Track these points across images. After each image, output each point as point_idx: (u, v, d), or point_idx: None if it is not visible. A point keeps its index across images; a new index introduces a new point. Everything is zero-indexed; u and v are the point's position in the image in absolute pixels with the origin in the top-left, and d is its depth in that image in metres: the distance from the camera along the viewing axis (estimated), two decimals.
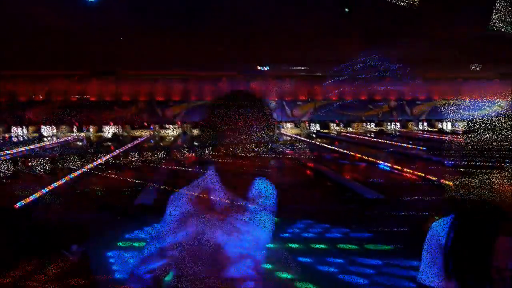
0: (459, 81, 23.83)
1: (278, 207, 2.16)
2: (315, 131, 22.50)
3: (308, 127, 22.98)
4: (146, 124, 22.29)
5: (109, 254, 5.43)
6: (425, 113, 24.18)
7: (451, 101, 24.38)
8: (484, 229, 1.46)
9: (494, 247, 1.41)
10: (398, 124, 23.63)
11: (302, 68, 19.34)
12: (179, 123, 22.67)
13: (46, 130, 21.37)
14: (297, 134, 20.79)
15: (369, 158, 11.11)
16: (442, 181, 7.96)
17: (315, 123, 23.05)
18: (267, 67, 16.44)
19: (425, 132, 22.27)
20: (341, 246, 4.33)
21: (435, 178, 8.34)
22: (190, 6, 7.95)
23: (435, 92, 24.05)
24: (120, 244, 5.80)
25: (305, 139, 18.08)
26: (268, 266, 1.56)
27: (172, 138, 21.25)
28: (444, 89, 23.97)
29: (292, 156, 12.53)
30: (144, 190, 8.35)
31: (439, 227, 1.56)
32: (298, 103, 23.11)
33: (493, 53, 14.65)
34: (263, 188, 1.86)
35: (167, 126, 22.67)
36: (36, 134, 20.99)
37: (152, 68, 19.12)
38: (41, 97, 20.98)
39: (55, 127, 21.31)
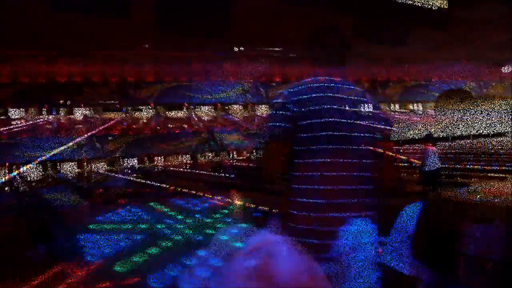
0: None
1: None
2: None
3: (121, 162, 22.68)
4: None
5: (82, 237, 5.35)
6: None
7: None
8: (448, 215, 1.47)
9: (458, 232, 1.38)
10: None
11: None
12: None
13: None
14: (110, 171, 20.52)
15: None
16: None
17: None
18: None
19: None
20: None
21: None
22: None
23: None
24: (91, 226, 5.69)
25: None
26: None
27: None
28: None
29: None
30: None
31: (408, 213, 1.53)
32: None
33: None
34: (358, 236, 1.40)
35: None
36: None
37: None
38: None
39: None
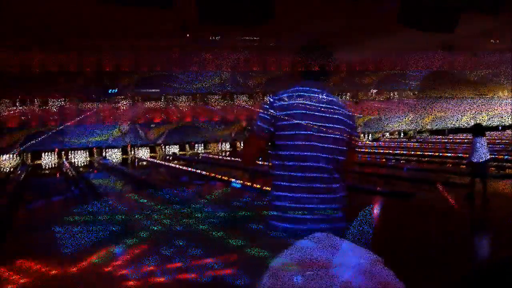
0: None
1: None
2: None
3: (163, 149, 22.17)
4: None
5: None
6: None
7: None
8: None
9: None
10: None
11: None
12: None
13: None
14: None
15: None
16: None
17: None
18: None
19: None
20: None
21: None
22: None
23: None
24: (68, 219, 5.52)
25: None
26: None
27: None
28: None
29: None
30: None
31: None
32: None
33: None
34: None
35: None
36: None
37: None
38: None
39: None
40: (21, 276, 4.16)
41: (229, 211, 6.64)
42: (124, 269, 4.28)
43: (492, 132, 26.46)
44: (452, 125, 28.98)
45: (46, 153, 19.97)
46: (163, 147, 22.05)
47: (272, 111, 1.96)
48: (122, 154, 21.21)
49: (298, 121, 1.92)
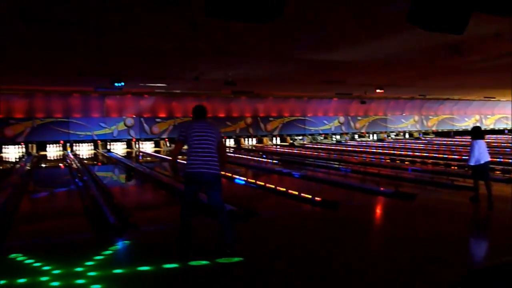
0: (305, 99, 24.85)
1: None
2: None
3: (168, 144, 21.99)
4: None
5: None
6: (277, 129, 24.81)
7: (299, 117, 25.35)
8: None
9: None
10: (254, 139, 24.66)
11: (161, 85, 17.08)
12: (23, 143, 19.60)
13: None
14: (157, 152, 19.92)
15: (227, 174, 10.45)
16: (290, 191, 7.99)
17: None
18: (122, 84, 14.28)
19: (278, 147, 22.47)
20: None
21: (284, 189, 8.26)
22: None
23: (285, 109, 24.94)
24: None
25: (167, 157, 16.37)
26: None
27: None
28: (292, 106, 24.95)
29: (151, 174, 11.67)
30: None
31: None
32: (157, 120, 22.04)
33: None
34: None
35: (7, 146, 19.39)
36: None
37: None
38: None
39: None
40: None
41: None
42: None
43: (497, 136, 26.33)
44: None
45: (51, 145, 20.01)
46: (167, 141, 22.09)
47: (184, 132, 4.66)
48: (127, 148, 21.26)
49: (193, 133, 4.55)
